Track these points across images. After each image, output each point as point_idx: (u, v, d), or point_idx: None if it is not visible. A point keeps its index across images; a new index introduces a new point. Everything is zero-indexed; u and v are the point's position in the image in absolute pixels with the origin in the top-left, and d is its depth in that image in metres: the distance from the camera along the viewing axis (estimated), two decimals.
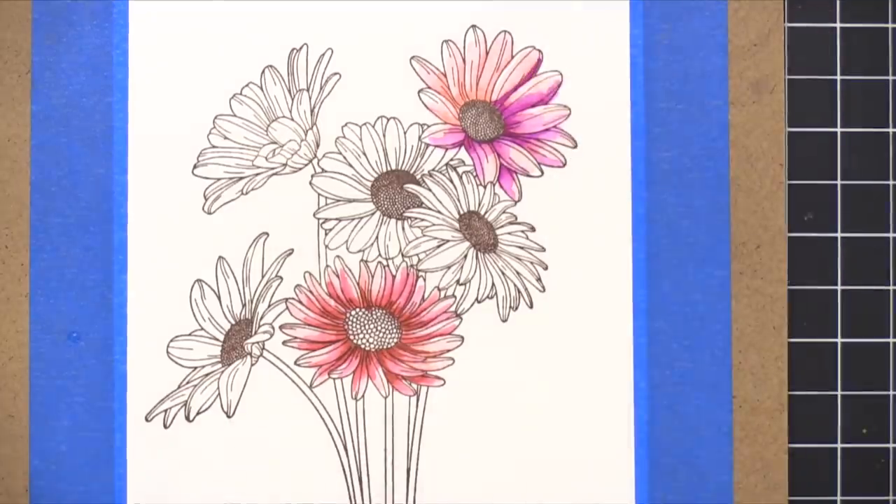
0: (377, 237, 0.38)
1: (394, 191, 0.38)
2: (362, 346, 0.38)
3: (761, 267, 0.38)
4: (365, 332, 0.38)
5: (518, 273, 0.38)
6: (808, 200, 0.39)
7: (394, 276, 0.38)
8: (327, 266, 0.38)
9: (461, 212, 0.38)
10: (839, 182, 0.39)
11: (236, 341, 0.38)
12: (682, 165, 0.38)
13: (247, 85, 0.38)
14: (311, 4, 0.38)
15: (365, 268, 0.38)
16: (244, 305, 0.38)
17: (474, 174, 0.38)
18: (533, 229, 0.38)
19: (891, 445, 0.39)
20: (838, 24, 0.39)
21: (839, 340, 0.39)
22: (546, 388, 0.38)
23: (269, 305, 0.38)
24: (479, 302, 0.38)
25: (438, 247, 0.38)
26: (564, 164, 0.38)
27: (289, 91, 0.38)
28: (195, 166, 0.38)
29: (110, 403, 0.38)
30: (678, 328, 0.38)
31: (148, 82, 0.38)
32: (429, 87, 0.38)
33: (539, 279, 0.38)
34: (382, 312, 0.38)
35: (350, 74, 0.38)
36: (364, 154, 0.38)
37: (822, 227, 0.39)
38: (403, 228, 0.38)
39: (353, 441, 0.38)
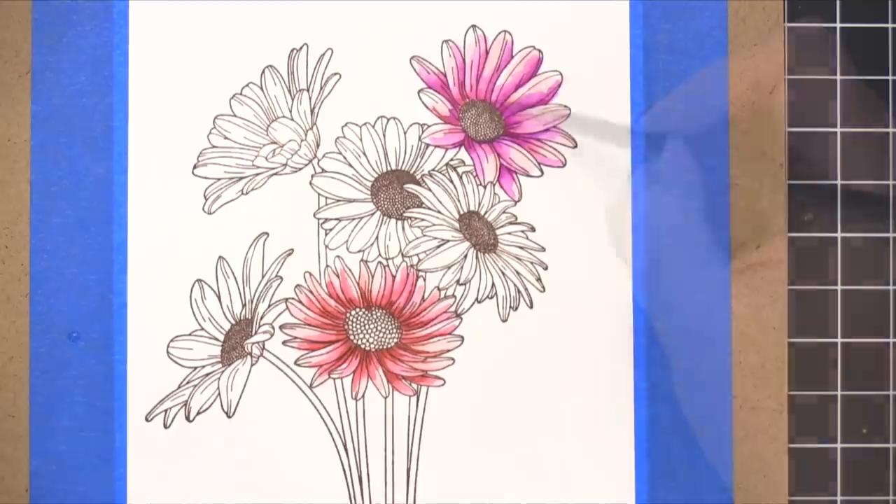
0: (377, 237, 0.38)
1: (394, 191, 0.38)
2: (362, 346, 0.38)
3: (761, 267, 0.38)
4: (365, 332, 0.38)
5: (518, 273, 0.38)
6: (808, 201, 0.39)
7: (394, 276, 0.38)
8: (327, 266, 0.38)
9: (461, 212, 0.38)
10: (839, 182, 0.39)
11: (236, 341, 0.38)
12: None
13: (247, 85, 0.38)
14: (311, 4, 0.38)
15: (365, 268, 0.38)
16: (244, 305, 0.38)
17: (474, 174, 0.38)
18: (533, 229, 0.38)
19: (891, 445, 0.39)
20: (838, 24, 0.39)
21: (839, 340, 0.39)
22: (546, 388, 0.38)
23: (270, 305, 0.38)
24: (479, 302, 0.38)
25: (438, 247, 0.38)
26: (564, 164, 0.38)
27: (289, 91, 0.38)
28: (195, 166, 0.38)
29: (110, 403, 0.38)
30: (678, 328, 0.38)
31: (148, 82, 0.38)
32: (429, 87, 0.38)
33: (539, 279, 0.38)
34: (382, 312, 0.38)
35: (350, 74, 0.38)
36: (364, 154, 0.38)
37: (822, 227, 0.39)
38: (403, 228, 0.38)
39: (353, 441, 0.38)
